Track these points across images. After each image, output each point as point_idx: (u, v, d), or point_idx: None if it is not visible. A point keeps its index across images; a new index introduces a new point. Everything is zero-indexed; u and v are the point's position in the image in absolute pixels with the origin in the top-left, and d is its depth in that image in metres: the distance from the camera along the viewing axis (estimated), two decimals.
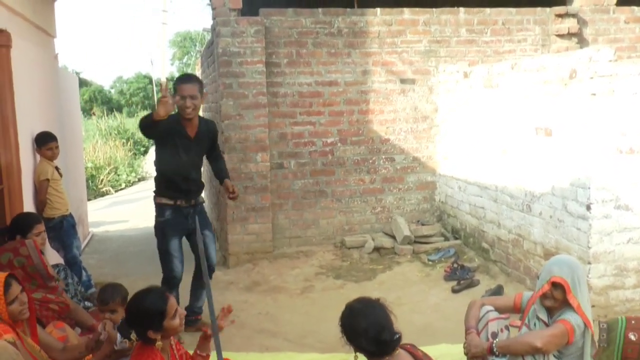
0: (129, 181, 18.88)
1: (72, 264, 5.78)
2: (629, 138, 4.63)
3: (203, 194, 10.50)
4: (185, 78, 4.78)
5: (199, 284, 5.06)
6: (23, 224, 4.64)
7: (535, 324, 3.35)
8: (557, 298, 3.26)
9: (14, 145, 5.19)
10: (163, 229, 4.89)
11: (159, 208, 4.91)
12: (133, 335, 3.04)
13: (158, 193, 4.93)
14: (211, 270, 4.99)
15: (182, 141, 4.76)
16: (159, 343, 2.95)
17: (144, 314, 2.93)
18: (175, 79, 5.00)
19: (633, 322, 2.94)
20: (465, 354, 3.35)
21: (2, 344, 2.58)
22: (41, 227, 4.68)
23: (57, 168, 5.96)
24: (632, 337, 2.83)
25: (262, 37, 6.69)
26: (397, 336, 2.75)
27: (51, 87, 7.02)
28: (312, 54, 6.95)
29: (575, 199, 4.85)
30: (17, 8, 5.50)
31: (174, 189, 4.84)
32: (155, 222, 4.95)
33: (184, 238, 5.02)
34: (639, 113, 4.61)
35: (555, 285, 3.24)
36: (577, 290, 3.21)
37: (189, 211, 4.89)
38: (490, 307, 3.53)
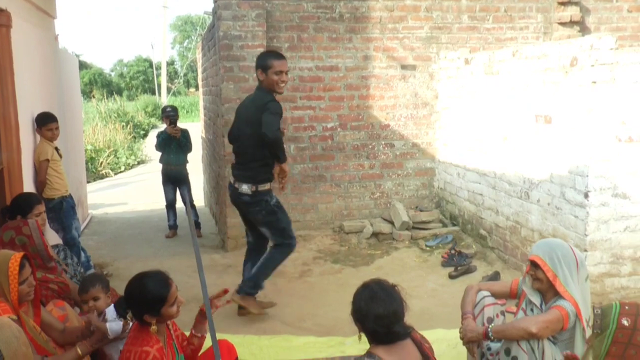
0: (129, 164, 18.88)
1: (71, 245, 5.80)
2: (628, 127, 4.64)
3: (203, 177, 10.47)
4: (280, 54, 4.92)
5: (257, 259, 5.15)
6: (24, 204, 4.67)
7: (532, 309, 3.38)
8: (540, 278, 3.29)
9: (14, 126, 5.20)
10: (280, 207, 4.98)
11: (270, 193, 4.93)
12: (129, 315, 3.05)
13: (266, 179, 4.90)
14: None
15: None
16: (153, 327, 2.96)
17: (145, 297, 2.93)
18: (264, 54, 5.00)
19: (627, 307, 2.95)
20: (461, 338, 3.38)
21: (5, 321, 2.59)
22: (41, 208, 4.71)
23: (57, 149, 5.96)
24: (625, 322, 2.84)
25: (263, 21, 6.67)
26: (409, 330, 2.74)
27: (51, 68, 7.00)
28: (313, 39, 6.94)
29: (574, 187, 4.86)
30: None
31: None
32: (271, 207, 4.92)
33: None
34: (639, 102, 4.61)
35: (533, 263, 3.29)
36: (557, 268, 3.22)
37: None
38: (486, 293, 3.56)
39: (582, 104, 4.72)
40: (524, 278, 3.47)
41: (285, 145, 6.89)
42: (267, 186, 4.86)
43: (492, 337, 3.25)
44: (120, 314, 3.11)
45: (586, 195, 4.72)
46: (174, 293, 3.00)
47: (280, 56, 4.85)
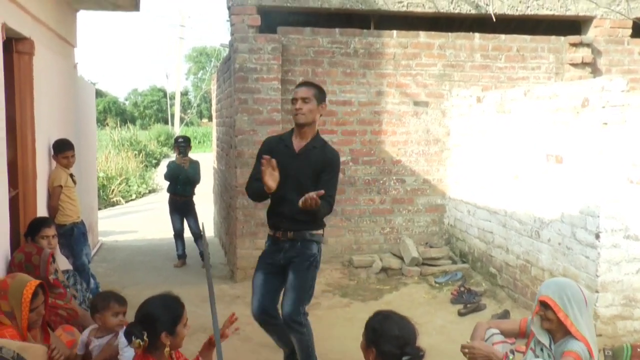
0: (140, 192, 18.98)
1: (81, 271, 5.83)
2: (639, 168, 4.65)
3: (214, 208, 10.49)
4: (304, 82, 4.52)
5: None
6: (33, 226, 4.77)
7: (542, 349, 3.35)
8: (550, 318, 3.26)
9: (30, 151, 5.29)
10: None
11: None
12: (145, 337, 3.06)
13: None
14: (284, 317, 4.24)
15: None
16: (167, 349, 2.98)
17: (161, 315, 2.96)
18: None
19: (639, 350, 2.94)
20: (464, 353, 3.35)
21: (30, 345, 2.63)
22: (49, 232, 4.78)
23: (71, 175, 6.04)
24: None
25: (278, 55, 6.78)
26: (421, 354, 2.74)
27: (69, 95, 7.13)
28: (328, 73, 7.03)
29: (585, 227, 4.86)
30: (42, 17, 5.62)
31: None
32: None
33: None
34: None
35: (543, 304, 3.26)
36: (568, 309, 3.20)
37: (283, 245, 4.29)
38: (495, 330, 3.55)
39: (593, 145, 4.75)
40: (532, 318, 3.44)
41: None
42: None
43: None
44: (137, 336, 3.12)
45: (597, 236, 4.71)
46: (185, 313, 3.05)
47: (301, 84, 4.36)
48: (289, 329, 4.19)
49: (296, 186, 4.04)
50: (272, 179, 3.95)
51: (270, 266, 4.29)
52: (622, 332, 4.76)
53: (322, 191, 3.87)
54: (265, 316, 4.30)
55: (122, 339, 3.58)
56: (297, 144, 4.22)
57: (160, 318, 2.96)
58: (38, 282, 3.20)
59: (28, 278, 3.22)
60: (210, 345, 3.34)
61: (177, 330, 2.99)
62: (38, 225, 4.78)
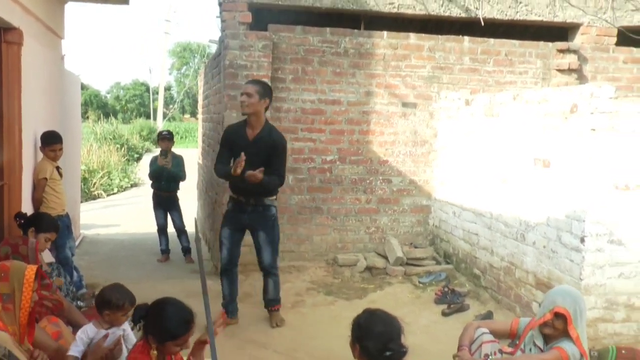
0: (122, 186, 18.84)
1: (64, 264, 5.79)
2: (625, 175, 4.72)
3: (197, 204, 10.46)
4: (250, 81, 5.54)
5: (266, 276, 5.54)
6: (44, 224, 4.82)
7: (530, 349, 3.40)
8: (557, 328, 3.33)
9: (17, 143, 5.25)
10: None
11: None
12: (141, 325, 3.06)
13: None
14: (265, 268, 5.46)
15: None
16: (153, 352, 2.99)
17: (160, 323, 2.96)
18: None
19: (624, 351, 3.02)
20: None
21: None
22: (53, 236, 4.86)
23: (58, 168, 5.98)
24: None
25: (269, 52, 6.78)
26: (404, 350, 2.78)
27: (56, 87, 7.06)
28: (318, 72, 7.04)
29: (570, 231, 4.92)
30: (31, 7, 5.56)
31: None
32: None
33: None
34: (637, 151, 4.71)
35: (557, 315, 3.30)
36: (577, 322, 3.27)
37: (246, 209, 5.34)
38: (485, 330, 3.60)
39: (581, 150, 4.81)
40: (534, 323, 3.46)
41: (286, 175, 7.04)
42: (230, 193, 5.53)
43: None
44: (135, 320, 3.11)
45: (582, 240, 4.77)
46: (186, 338, 3.02)
47: (250, 81, 5.45)
48: (268, 275, 5.44)
49: (252, 168, 4.94)
50: (240, 168, 4.93)
51: (236, 224, 5.37)
52: (603, 334, 4.83)
53: (262, 168, 4.94)
54: (231, 265, 5.46)
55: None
56: (250, 133, 5.20)
57: (158, 324, 2.96)
58: (36, 266, 3.17)
59: (25, 264, 3.19)
60: (200, 344, 3.32)
61: (165, 344, 2.99)
62: (48, 225, 4.97)
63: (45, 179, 5.79)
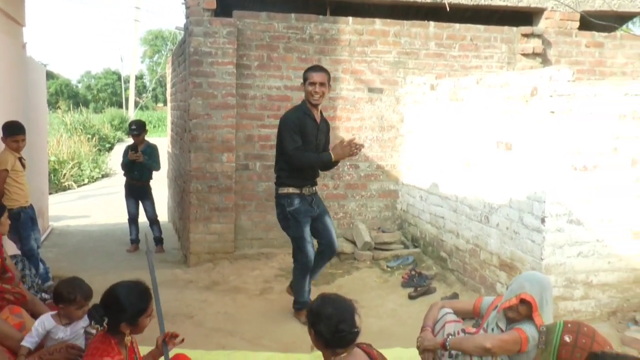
0: (93, 177, 18.64)
1: (29, 256, 5.73)
2: (583, 156, 4.81)
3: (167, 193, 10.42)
4: (319, 67, 5.26)
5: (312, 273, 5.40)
6: None
7: (493, 330, 3.47)
8: (521, 313, 3.38)
9: None
10: (295, 217, 5.20)
11: (288, 199, 5.21)
12: (105, 323, 3.03)
13: (283, 184, 5.25)
14: (335, 250, 5.44)
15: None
16: (128, 338, 2.97)
17: (126, 305, 2.93)
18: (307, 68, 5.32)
19: (569, 325, 3.09)
20: (418, 347, 3.46)
21: None
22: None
23: (21, 159, 5.89)
24: (567, 339, 2.97)
25: (234, 39, 6.74)
26: (356, 330, 2.82)
27: (18, 76, 6.94)
28: (283, 58, 7.02)
29: (531, 212, 5.00)
30: None
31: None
32: (286, 212, 5.24)
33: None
34: (594, 132, 4.79)
35: (523, 301, 3.35)
36: (542, 309, 3.32)
37: (312, 198, 5.29)
38: (449, 310, 3.66)
39: (541, 133, 4.88)
40: (500, 306, 3.50)
41: (250, 163, 7.01)
42: (285, 190, 5.17)
43: (449, 348, 3.33)
44: (97, 320, 3.08)
45: (543, 221, 4.85)
46: (152, 304, 3.02)
47: (317, 69, 5.18)
48: (333, 256, 5.49)
49: (322, 150, 5.23)
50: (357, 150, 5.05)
51: (309, 218, 5.21)
52: (564, 312, 4.93)
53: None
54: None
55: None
56: (317, 117, 5.21)
57: (124, 308, 2.94)
58: None
59: None
60: (158, 350, 3.28)
61: (138, 321, 2.98)
62: None
63: (7, 170, 5.70)
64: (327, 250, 5.34)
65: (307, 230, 5.16)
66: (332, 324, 2.76)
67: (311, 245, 5.18)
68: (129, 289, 3.00)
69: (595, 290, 5.01)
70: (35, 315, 4.29)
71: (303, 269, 5.22)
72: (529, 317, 3.35)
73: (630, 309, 5.07)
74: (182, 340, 3.32)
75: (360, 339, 2.93)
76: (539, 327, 3.29)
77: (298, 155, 5.03)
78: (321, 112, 5.33)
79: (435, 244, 6.75)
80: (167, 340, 3.25)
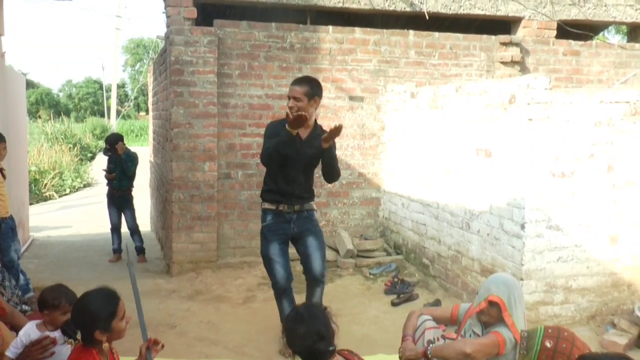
0: (74, 187, 18.51)
1: (9, 268, 5.68)
2: (561, 162, 4.88)
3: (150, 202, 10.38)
4: (297, 79, 4.90)
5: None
6: None
7: (470, 336, 3.51)
8: (492, 315, 3.43)
9: None
10: (265, 235, 4.84)
11: (264, 214, 4.88)
12: (79, 336, 3.01)
13: (264, 198, 4.90)
14: (316, 278, 4.83)
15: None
16: (105, 344, 2.95)
17: (94, 312, 2.91)
18: None
19: (550, 330, 3.14)
20: (400, 357, 3.48)
21: None
22: None
23: (1, 169, 5.85)
24: (547, 344, 3.02)
25: (215, 48, 6.76)
26: (331, 348, 2.81)
27: None
28: (264, 67, 7.05)
29: (511, 218, 5.06)
30: None
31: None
32: (262, 227, 4.91)
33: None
34: (571, 139, 4.87)
35: (492, 303, 3.40)
36: (512, 309, 3.38)
37: (291, 217, 4.83)
38: (427, 317, 3.69)
39: (519, 140, 4.95)
40: (472, 312, 3.55)
41: (232, 172, 7.01)
42: (263, 205, 4.88)
43: (431, 356, 3.36)
44: (70, 335, 3.05)
45: (523, 227, 4.91)
46: (122, 306, 2.99)
47: (295, 82, 4.80)
48: (317, 285, 4.81)
49: (305, 169, 4.76)
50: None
51: (282, 236, 4.80)
52: (544, 317, 4.99)
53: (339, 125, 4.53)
54: (289, 281, 4.80)
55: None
56: (302, 132, 4.70)
57: (93, 315, 2.91)
58: None
59: None
60: (142, 358, 3.27)
61: (112, 326, 2.95)
62: None
63: None
64: (308, 278, 4.86)
65: (273, 249, 4.75)
66: (308, 345, 2.75)
67: (280, 266, 4.74)
68: (94, 296, 2.98)
69: (574, 294, 5.08)
70: (15, 328, 4.25)
71: (275, 290, 4.85)
72: (500, 319, 3.40)
73: (609, 313, 5.15)
74: (162, 346, 3.31)
75: (342, 346, 2.94)
76: (511, 327, 3.34)
77: (263, 154, 4.74)
78: (320, 127, 4.90)
79: (418, 251, 6.79)
80: (151, 346, 3.24)
